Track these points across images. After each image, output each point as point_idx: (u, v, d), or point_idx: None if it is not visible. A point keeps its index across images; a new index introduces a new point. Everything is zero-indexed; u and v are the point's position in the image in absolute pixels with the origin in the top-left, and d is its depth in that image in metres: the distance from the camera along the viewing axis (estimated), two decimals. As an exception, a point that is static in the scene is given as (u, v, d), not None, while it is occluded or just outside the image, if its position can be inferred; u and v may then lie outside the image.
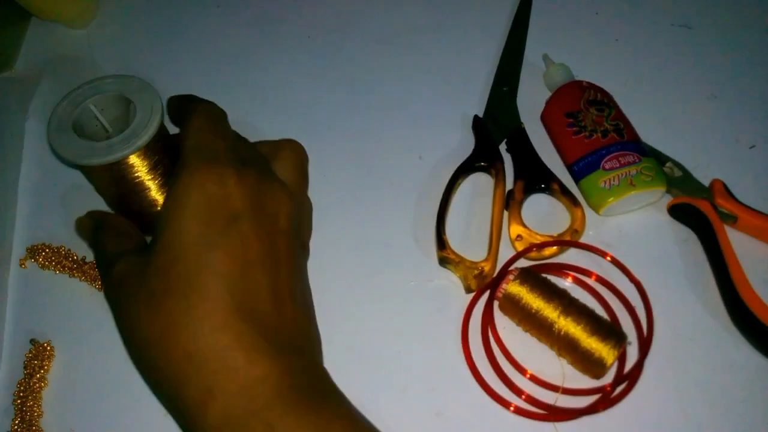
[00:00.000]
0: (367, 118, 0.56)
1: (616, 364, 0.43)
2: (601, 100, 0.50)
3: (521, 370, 0.43)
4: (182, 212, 0.34)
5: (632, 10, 0.59)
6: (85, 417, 0.45)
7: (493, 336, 0.44)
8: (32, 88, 0.59)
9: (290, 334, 0.35)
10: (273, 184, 0.38)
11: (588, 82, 0.51)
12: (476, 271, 0.46)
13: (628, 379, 0.42)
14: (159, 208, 0.44)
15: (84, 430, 0.45)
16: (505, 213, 0.48)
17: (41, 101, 0.60)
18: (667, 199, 0.48)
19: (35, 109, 0.59)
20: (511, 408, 0.42)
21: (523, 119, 0.52)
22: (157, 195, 0.44)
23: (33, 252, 0.51)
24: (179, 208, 0.35)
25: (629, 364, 0.43)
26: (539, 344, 0.44)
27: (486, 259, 0.46)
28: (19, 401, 0.45)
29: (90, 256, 0.51)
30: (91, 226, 0.43)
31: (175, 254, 0.34)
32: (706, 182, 0.48)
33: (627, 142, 0.47)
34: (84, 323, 0.49)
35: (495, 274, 0.46)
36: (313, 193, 0.51)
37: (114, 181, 0.43)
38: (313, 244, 0.49)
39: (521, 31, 0.57)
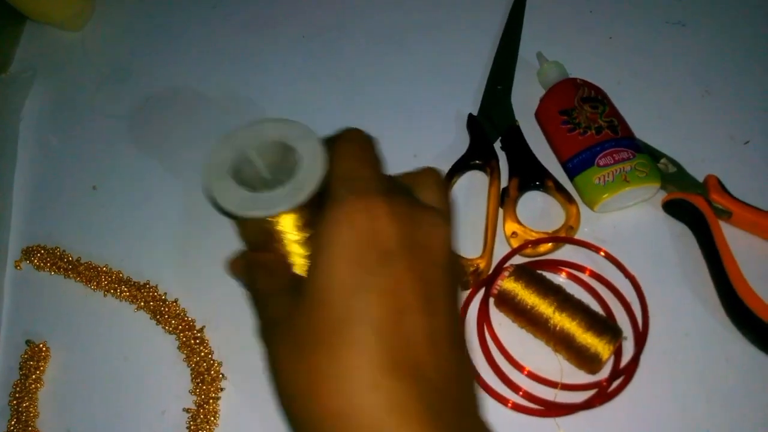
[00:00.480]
0: (361, 117, 0.56)
1: (612, 360, 0.43)
2: (595, 97, 0.50)
3: (518, 367, 0.43)
4: (330, 250, 0.31)
5: (626, 8, 0.59)
6: (81, 417, 0.45)
7: (489, 333, 0.44)
8: (26, 90, 0.59)
9: (450, 390, 0.31)
10: (425, 212, 0.34)
11: (582, 80, 0.51)
12: (472, 269, 0.46)
13: (624, 373, 0.42)
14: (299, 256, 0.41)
15: (80, 431, 0.45)
16: (500, 210, 0.48)
17: (36, 103, 0.60)
18: (662, 195, 0.48)
19: (29, 110, 0.59)
20: (509, 404, 0.42)
21: (517, 117, 0.52)
22: (300, 246, 0.41)
23: (28, 253, 0.51)
24: (327, 245, 0.31)
25: (625, 359, 0.43)
26: (536, 340, 0.44)
27: (481, 257, 0.46)
28: (15, 402, 0.45)
29: (85, 257, 0.51)
30: (243, 266, 0.41)
31: (322, 298, 0.31)
32: (700, 178, 0.48)
33: (621, 139, 0.47)
34: (79, 324, 0.49)
35: (490, 271, 0.46)
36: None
37: (262, 229, 0.40)
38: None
39: (515, 29, 0.58)
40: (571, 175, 0.48)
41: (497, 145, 0.52)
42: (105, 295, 0.49)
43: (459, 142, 0.52)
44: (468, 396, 0.33)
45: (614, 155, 0.47)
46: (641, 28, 0.58)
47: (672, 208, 0.48)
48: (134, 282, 0.49)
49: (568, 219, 0.47)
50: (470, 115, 0.53)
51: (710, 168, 0.48)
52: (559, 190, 0.48)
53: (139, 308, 0.48)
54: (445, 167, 0.50)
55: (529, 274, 0.44)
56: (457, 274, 0.38)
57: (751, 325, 0.42)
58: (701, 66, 0.55)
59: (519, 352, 0.44)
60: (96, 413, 0.45)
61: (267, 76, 0.59)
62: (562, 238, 0.47)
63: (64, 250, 0.51)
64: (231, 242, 0.50)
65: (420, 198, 0.37)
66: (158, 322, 0.47)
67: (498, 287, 0.44)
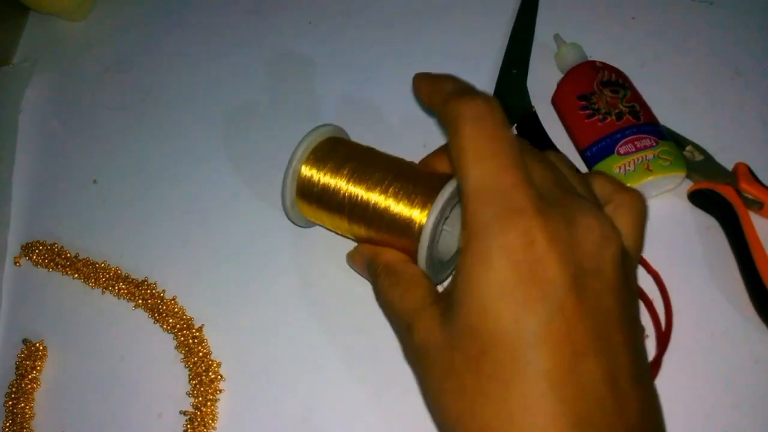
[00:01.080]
0: (369, 104, 0.53)
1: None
2: (615, 81, 0.47)
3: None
4: (485, 289, 0.27)
5: (650, -14, 0.56)
6: (78, 418, 0.44)
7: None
8: (26, 81, 0.58)
9: None
10: (589, 226, 0.28)
11: (602, 62, 0.48)
12: None
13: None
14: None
15: (86, 427, 0.44)
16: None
17: (36, 94, 0.59)
18: (688, 185, 0.45)
19: (30, 102, 0.58)
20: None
21: (534, 102, 0.50)
22: None
23: (27, 249, 0.50)
24: (480, 285, 0.27)
25: (647, 362, 0.40)
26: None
27: None
28: (10, 403, 0.44)
29: (83, 253, 0.49)
30: (375, 272, 0.38)
31: (484, 344, 0.27)
32: (729, 166, 0.45)
33: (643, 125, 0.44)
34: (77, 322, 0.47)
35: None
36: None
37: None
38: (314, 235, 0.47)
39: (531, 10, 0.55)
40: (590, 164, 0.46)
41: (512, 132, 0.49)
42: (103, 293, 0.47)
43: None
44: None
45: (636, 143, 0.44)
46: (665, 6, 0.54)
47: (698, 198, 0.45)
48: (132, 279, 0.47)
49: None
50: (484, 102, 0.50)
51: (740, 155, 0.45)
52: (577, 178, 0.46)
53: (137, 306, 0.46)
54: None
55: None
56: (635, 293, 0.32)
57: (784, 324, 0.39)
58: (730, 46, 0.51)
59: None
60: (92, 415, 0.44)
61: (272, 63, 0.57)
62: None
63: (62, 246, 0.50)
64: (232, 239, 0.49)
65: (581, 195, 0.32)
66: (156, 320, 0.45)
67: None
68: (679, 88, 0.50)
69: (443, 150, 0.40)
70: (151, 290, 0.47)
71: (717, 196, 0.43)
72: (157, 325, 0.46)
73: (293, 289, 0.46)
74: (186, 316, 0.45)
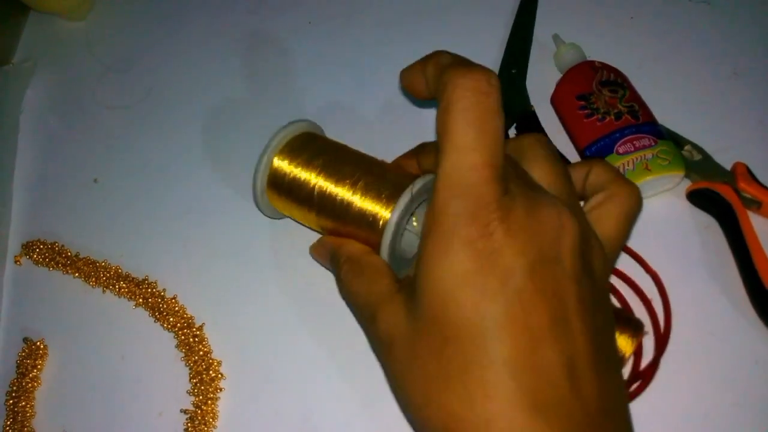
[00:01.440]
0: (369, 104, 0.54)
1: (631, 360, 0.40)
2: (614, 81, 0.47)
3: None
4: (446, 278, 0.28)
5: (648, -13, 0.56)
6: (78, 417, 0.44)
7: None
8: (26, 80, 0.58)
9: (597, 423, 0.27)
10: (547, 211, 0.29)
11: (600, 62, 0.48)
12: None
13: (643, 377, 0.39)
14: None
15: (77, 431, 0.44)
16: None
17: (37, 94, 0.59)
18: (686, 185, 0.45)
19: (30, 102, 0.58)
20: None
21: (533, 102, 0.50)
22: None
23: (28, 248, 0.50)
24: (443, 272, 0.28)
25: (645, 361, 0.40)
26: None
27: None
28: (11, 401, 0.44)
29: (84, 252, 0.49)
30: (338, 263, 0.38)
31: (446, 332, 0.28)
32: (728, 166, 0.45)
33: (642, 125, 0.45)
34: (78, 321, 0.47)
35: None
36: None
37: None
38: (315, 238, 0.47)
39: (530, 9, 0.55)
40: (589, 163, 0.46)
41: (512, 131, 0.49)
42: (104, 292, 0.48)
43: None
44: (621, 425, 0.30)
45: (634, 142, 0.44)
46: (664, 7, 0.54)
47: (697, 198, 0.45)
48: (133, 278, 0.47)
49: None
50: (483, 101, 0.51)
51: (738, 155, 0.45)
52: (576, 179, 0.46)
53: (137, 305, 0.47)
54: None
55: None
56: (603, 273, 0.31)
57: (783, 323, 0.39)
58: (728, 46, 0.51)
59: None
60: (92, 414, 0.44)
61: (272, 63, 0.57)
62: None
63: (62, 245, 0.50)
64: (232, 238, 0.49)
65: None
66: (156, 319, 0.46)
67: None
68: (678, 88, 0.50)
69: (415, 152, 0.42)
70: (152, 289, 0.47)
71: (716, 195, 0.43)
72: (158, 323, 0.46)
73: (294, 288, 0.46)
74: (186, 314, 0.45)
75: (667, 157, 0.44)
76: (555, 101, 0.49)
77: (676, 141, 0.46)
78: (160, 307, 0.46)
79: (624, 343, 0.38)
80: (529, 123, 0.49)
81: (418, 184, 0.38)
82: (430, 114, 0.52)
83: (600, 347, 0.29)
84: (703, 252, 0.44)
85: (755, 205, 0.43)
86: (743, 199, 0.43)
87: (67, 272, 0.48)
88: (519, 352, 0.26)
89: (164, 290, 0.47)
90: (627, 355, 0.38)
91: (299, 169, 0.41)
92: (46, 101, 0.58)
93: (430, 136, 0.50)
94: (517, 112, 0.49)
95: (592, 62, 0.49)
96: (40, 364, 0.46)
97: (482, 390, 0.26)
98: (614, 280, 0.43)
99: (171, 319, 0.45)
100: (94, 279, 0.48)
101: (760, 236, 0.41)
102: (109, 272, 0.48)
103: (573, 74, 0.49)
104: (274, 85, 0.56)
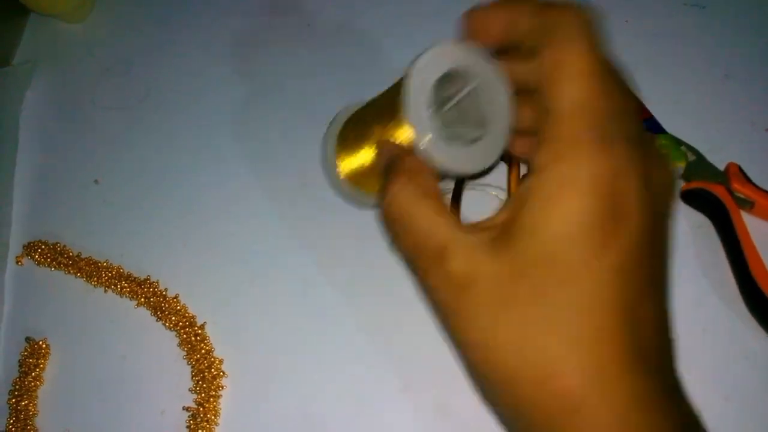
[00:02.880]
0: (368, 106, 0.54)
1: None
2: (609, 83, 0.48)
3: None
4: (570, 216, 0.26)
5: (642, -9, 0.57)
6: (81, 416, 0.45)
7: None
8: (26, 82, 0.59)
9: (676, 378, 0.30)
10: (661, 162, 0.29)
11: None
12: None
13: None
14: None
15: (79, 430, 0.44)
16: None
17: (37, 96, 0.59)
18: (681, 185, 0.46)
19: (30, 103, 0.58)
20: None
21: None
22: None
23: (30, 249, 0.50)
24: (568, 211, 0.26)
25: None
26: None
27: None
28: (14, 400, 0.45)
29: (86, 252, 0.50)
30: (397, 172, 0.32)
31: (560, 274, 0.26)
32: (721, 166, 0.45)
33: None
34: (80, 321, 0.48)
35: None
36: (313, 186, 0.50)
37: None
38: (315, 237, 0.48)
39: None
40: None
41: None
42: (105, 291, 0.48)
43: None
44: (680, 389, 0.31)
45: (631, 141, 0.45)
46: (658, 10, 0.55)
47: (691, 198, 0.45)
48: (135, 278, 0.48)
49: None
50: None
51: (731, 156, 0.46)
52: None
53: (139, 304, 0.47)
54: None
55: None
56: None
57: (774, 320, 0.40)
58: (721, 49, 0.52)
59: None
60: (95, 412, 0.45)
61: (270, 65, 0.58)
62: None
63: (65, 246, 0.50)
64: (233, 238, 0.49)
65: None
66: (158, 318, 0.46)
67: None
68: (671, 89, 0.51)
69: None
70: (153, 288, 0.47)
71: (709, 195, 0.44)
72: (160, 323, 0.46)
73: (294, 286, 0.47)
74: (188, 313, 0.46)
75: (665, 151, 0.44)
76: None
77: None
78: (162, 306, 0.46)
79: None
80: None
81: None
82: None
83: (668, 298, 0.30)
84: (697, 250, 0.44)
85: (748, 204, 0.44)
86: (736, 199, 0.44)
87: (69, 272, 0.49)
88: (629, 302, 0.26)
89: (166, 290, 0.47)
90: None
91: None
92: (46, 103, 0.59)
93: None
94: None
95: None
96: (42, 364, 0.46)
97: (595, 335, 0.26)
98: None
99: (173, 318, 0.46)
100: (96, 279, 0.48)
101: (752, 235, 0.42)
102: (110, 272, 0.48)
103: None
104: (272, 87, 0.56)
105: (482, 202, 0.47)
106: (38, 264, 0.50)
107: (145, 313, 0.47)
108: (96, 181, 0.53)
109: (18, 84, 0.58)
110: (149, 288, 0.47)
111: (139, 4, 0.64)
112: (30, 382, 0.45)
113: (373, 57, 0.57)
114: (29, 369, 0.46)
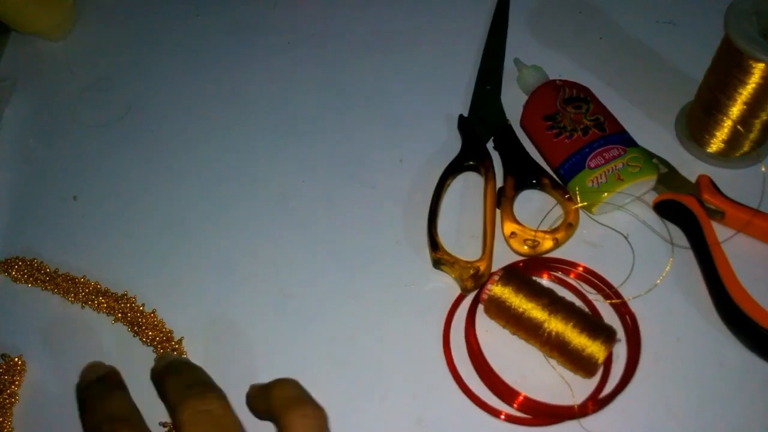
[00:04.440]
0: (346, 123, 0.55)
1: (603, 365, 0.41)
2: (577, 97, 0.48)
3: (491, 375, 0.42)
4: None
5: (616, 8, 0.58)
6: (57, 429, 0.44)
7: (472, 341, 0.43)
8: (5, 99, 0.59)
9: None
10: None
11: (561, 80, 0.50)
12: (472, 271, 0.44)
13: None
14: None
15: None
16: (498, 211, 0.47)
17: (17, 113, 0.59)
18: (653, 197, 0.47)
19: (10, 120, 0.58)
20: (502, 416, 0.41)
21: (508, 117, 0.51)
22: None
23: (6, 266, 0.50)
24: None
25: (616, 367, 0.41)
26: (526, 346, 0.42)
27: (481, 259, 0.45)
28: None
29: (64, 267, 0.50)
30: None
31: None
32: (692, 178, 0.46)
33: (609, 136, 0.46)
34: (56, 337, 0.48)
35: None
36: (293, 198, 0.51)
37: None
38: (294, 249, 0.48)
39: (501, 28, 0.57)
40: (565, 180, 0.47)
41: (489, 145, 0.51)
42: (83, 307, 0.48)
43: (450, 145, 0.51)
44: None
45: (604, 154, 0.45)
46: (631, 27, 0.57)
47: (664, 209, 0.46)
48: (112, 293, 0.48)
49: (566, 216, 0.46)
50: (461, 116, 0.52)
51: (702, 168, 0.47)
52: (556, 188, 0.47)
53: (116, 320, 0.47)
54: (436, 170, 0.49)
55: (518, 278, 0.42)
56: None
57: (746, 328, 0.41)
58: (692, 65, 0.53)
59: (510, 357, 0.43)
60: (71, 430, 0.44)
61: (251, 83, 0.58)
62: (539, 259, 0.46)
63: (41, 262, 0.50)
64: (211, 253, 0.49)
65: None
66: (135, 333, 0.46)
67: (487, 292, 0.42)
68: (644, 104, 0.52)
69: None
70: (131, 304, 0.47)
71: (681, 206, 0.45)
72: (137, 338, 0.46)
73: (273, 300, 0.47)
74: (165, 329, 0.46)
75: (637, 164, 0.45)
76: (523, 124, 0.51)
77: (644, 155, 0.47)
78: (140, 321, 0.46)
79: (597, 350, 0.39)
80: (506, 136, 0.50)
81: None
82: (408, 133, 0.54)
83: None
84: (671, 260, 0.45)
85: (719, 215, 0.45)
86: (707, 210, 0.44)
87: (47, 288, 0.49)
88: None
89: (143, 305, 0.47)
90: (600, 360, 0.39)
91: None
92: (26, 120, 0.59)
93: (406, 147, 0.52)
94: (494, 126, 0.51)
95: (554, 81, 0.50)
96: (18, 380, 0.45)
97: None
98: (586, 288, 0.44)
99: (150, 333, 0.45)
100: (74, 295, 0.48)
101: (723, 245, 0.43)
102: (88, 288, 0.48)
103: (537, 96, 0.50)
104: (252, 103, 0.57)
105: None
106: (15, 281, 0.49)
107: (122, 329, 0.47)
108: (74, 198, 0.53)
109: (-3, 101, 0.58)
110: (126, 303, 0.47)
111: (120, 23, 0.64)
112: (5, 399, 0.45)
113: (350, 72, 0.58)
114: (4, 386, 0.45)
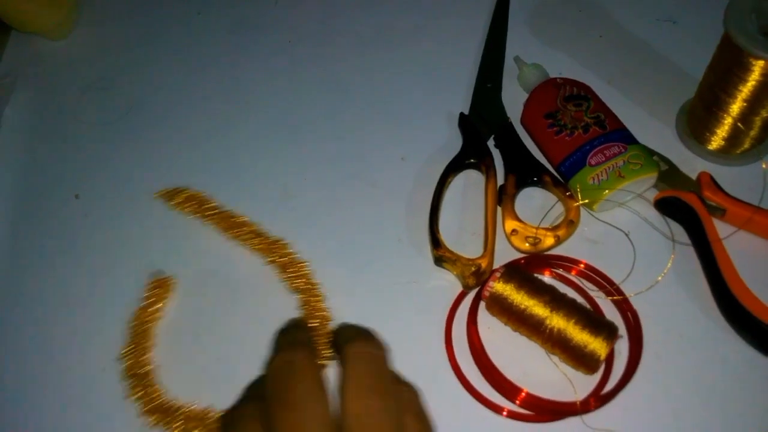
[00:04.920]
0: (347, 121, 0.55)
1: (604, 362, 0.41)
2: (578, 95, 0.49)
3: (494, 372, 0.42)
4: None
5: (616, 6, 0.58)
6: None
7: (474, 338, 0.43)
8: (6, 97, 0.59)
9: None
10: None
11: (562, 78, 0.50)
12: (473, 268, 0.44)
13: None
14: None
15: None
16: (499, 209, 0.47)
17: (19, 112, 0.59)
18: (654, 194, 0.47)
19: (12, 119, 0.58)
20: (504, 413, 0.41)
21: (509, 115, 0.51)
22: None
23: (173, 194, 0.52)
24: None
25: (617, 364, 0.42)
26: (528, 342, 0.42)
27: (482, 256, 0.45)
28: (134, 327, 0.46)
29: (66, 267, 0.50)
30: None
31: None
32: (693, 175, 0.46)
33: (610, 133, 0.46)
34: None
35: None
36: (295, 197, 0.51)
37: None
38: (296, 247, 0.49)
39: (501, 26, 0.57)
40: (566, 178, 0.47)
41: (490, 143, 0.51)
42: (239, 245, 0.49)
43: (451, 143, 0.52)
44: None
45: (605, 152, 0.46)
46: (631, 25, 0.57)
47: (664, 206, 0.46)
48: (268, 236, 0.49)
49: (567, 213, 0.46)
50: (461, 114, 0.52)
51: (703, 165, 0.47)
52: (557, 185, 0.47)
53: (269, 262, 0.48)
54: (437, 168, 0.49)
55: (519, 275, 0.42)
56: None
57: (748, 325, 0.41)
58: (693, 63, 0.53)
59: (512, 354, 0.43)
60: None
61: (253, 81, 0.58)
62: (541, 256, 0.46)
63: (207, 196, 0.51)
64: (211, 256, 0.49)
65: None
66: (284, 279, 0.47)
67: (489, 290, 0.42)
68: (645, 102, 0.52)
69: None
70: (284, 250, 0.48)
71: (682, 203, 0.45)
72: (285, 282, 0.47)
73: (274, 299, 0.47)
74: (313, 280, 0.47)
75: (638, 161, 0.45)
76: (524, 122, 0.51)
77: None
78: (290, 268, 0.47)
79: (599, 346, 0.39)
80: (506, 133, 0.50)
81: None
82: (409, 131, 0.54)
83: None
84: (673, 257, 0.45)
85: (719, 212, 0.45)
86: (708, 207, 0.45)
87: (209, 221, 0.50)
88: None
89: (296, 253, 0.48)
90: (602, 357, 0.39)
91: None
92: (27, 119, 0.59)
93: (408, 145, 0.52)
94: (495, 124, 0.51)
95: (554, 79, 0.50)
96: (166, 298, 0.47)
97: None
98: (585, 281, 0.45)
99: (298, 282, 0.47)
100: (232, 231, 0.49)
101: (724, 242, 0.43)
102: (247, 228, 0.49)
103: (537, 94, 0.50)
104: (254, 102, 0.57)
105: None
106: (181, 209, 0.51)
107: (271, 273, 0.48)
108: (76, 196, 0.53)
109: (-3, 101, 0.58)
110: (280, 249, 0.48)
111: (121, 21, 0.64)
112: (151, 313, 0.47)
113: (351, 70, 0.58)
114: (153, 301, 0.47)
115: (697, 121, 0.48)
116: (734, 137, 0.47)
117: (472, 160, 0.50)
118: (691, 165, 0.47)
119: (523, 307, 0.41)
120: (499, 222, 0.47)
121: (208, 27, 0.63)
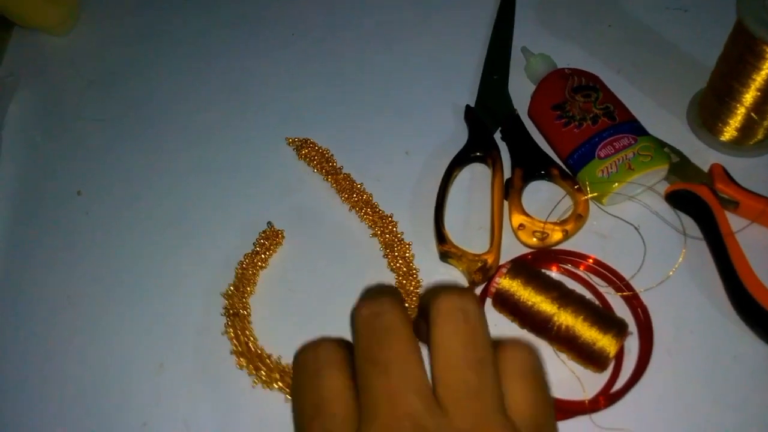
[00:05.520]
0: (352, 114, 0.54)
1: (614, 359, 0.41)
2: (586, 85, 0.48)
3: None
4: None
5: (625, -5, 0.57)
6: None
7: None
8: (9, 94, 0.58)
9: None
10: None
11: (570, 69, 0.49)
12: (479, 264, 0.44)
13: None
14: None
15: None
16: (505, 203, 0.46)
17: (21, 108, 0.59)
18: (665, 186, 0.46)
19: (14, 116, 0.58)
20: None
21: (516, 107, 0.51)
22: None
23: (300, 143, 0.52)
24: None
25: (628, 360, 0.41)
26: (536, 340, 0.42)
27: (489, 251, 0.44)
28: (240, 270, 0.47)
29: (67, 263, 0.49)
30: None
31: None
32: (705, 167, 0.45)
33: (620, 125, 0.45)
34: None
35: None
36: (298, 191, 0.51)
37: None
38: (300, 244, 0.48)
39: (508, 16, 0.56)
40: (574, 171, 0.46)
41: (497, 136, 0.50)
42: (350, 210, 0.49)
43: (456, 136, 0.51)
44: None
45: (614, 144, 0.45)
46: (641, 14, 0.56)
47: (676, 199, 0.45)
48: (379, 209, 0.49)
49: (576, 207, 0.45)
50: (468, 107, 0.51)
51: (715, 157, 0.46)
52: (565, 178, 0.46)
53: (374, 235, 0.48)
54: (442, 162, 0.49)
55: (526, 270, 0.42)
56: None
57: (761, 320, 0.40)
58: (704, 52, 0.52)
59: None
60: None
61: (256, 76, 0.58)
62: (549, 251, 0.45)
63: (332, 155, 0.52)
64: (214, 247, 0.49)
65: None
66: (386, 255, 0.47)
67: (495, 286, 0.42)
68: (656, 92, 0.51)
69: None
70: (393, 227, 0.48)
71: (693, 196, 0.44)
72: (386, 259, 0.47)
73: (275, 298, 0.47)
74: (413, 265, 0.46)
75: (648, 153, 0.44)
76: (532, 114, 0.50)
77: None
78: (394, 246, 0.47)
79: (608, 344, 0.39)
80: (513, 126, 0.49)
81: None
82: (415, 124, 0.53)
83: None
84: (684, 252, 0.44)
85: (732, 205, 0.44)
86: (721, 200, 0.44)
87: (327, 179, 0.51)
88: None
89: (402, 233, 0.48)
90: (611, 354, 0.39)
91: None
92: (30, 115, 0.59)
93: (412, 138, 0.52)
94: (502, 116, 0.50)
95: (562, 70, 0.49)
96: (273, 249, 0.48)
97: None
98: (596, 279, 0.44)
99: (399, 262, 0.46)
100: (347, 195, 0.50)
101: (737, 235, 0.42)
102: (362, 195, 0.50)
103: (545, 85, 0.49)
104: (257, 95, 0.57)
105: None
106: (305, 161, 0.52)
107: (376, 246, 0.48)
108: (79, 193, 0.53)
109: (1, 96, 0.58)
110: (389, 225, 0.48)
111: (123, 18, 0.64)
112: (258, 260, 0.48)
113: (356, 62, 0.57)
114: (261, 249, 0.48)
115: (708, 111, 0.47)
116: (747, 128, 0.46)
117: (478, 154, 0.49)
118: (703, 157, 0.46)
119: (530, 303, 0.40)
120: (506, 216, 0.46)
121: (211, 21, 0.62)
